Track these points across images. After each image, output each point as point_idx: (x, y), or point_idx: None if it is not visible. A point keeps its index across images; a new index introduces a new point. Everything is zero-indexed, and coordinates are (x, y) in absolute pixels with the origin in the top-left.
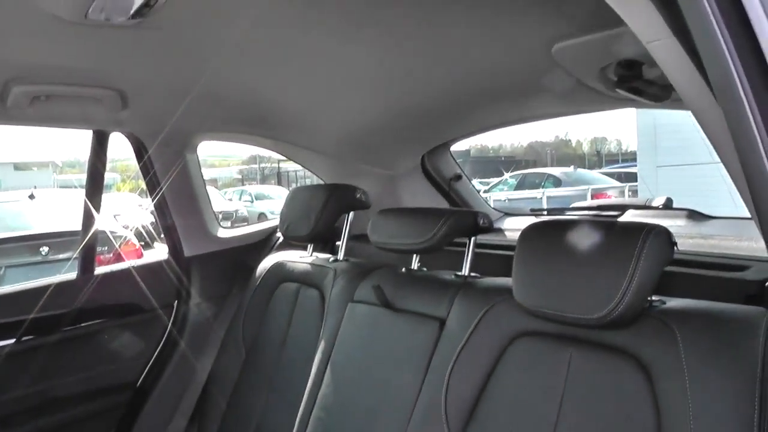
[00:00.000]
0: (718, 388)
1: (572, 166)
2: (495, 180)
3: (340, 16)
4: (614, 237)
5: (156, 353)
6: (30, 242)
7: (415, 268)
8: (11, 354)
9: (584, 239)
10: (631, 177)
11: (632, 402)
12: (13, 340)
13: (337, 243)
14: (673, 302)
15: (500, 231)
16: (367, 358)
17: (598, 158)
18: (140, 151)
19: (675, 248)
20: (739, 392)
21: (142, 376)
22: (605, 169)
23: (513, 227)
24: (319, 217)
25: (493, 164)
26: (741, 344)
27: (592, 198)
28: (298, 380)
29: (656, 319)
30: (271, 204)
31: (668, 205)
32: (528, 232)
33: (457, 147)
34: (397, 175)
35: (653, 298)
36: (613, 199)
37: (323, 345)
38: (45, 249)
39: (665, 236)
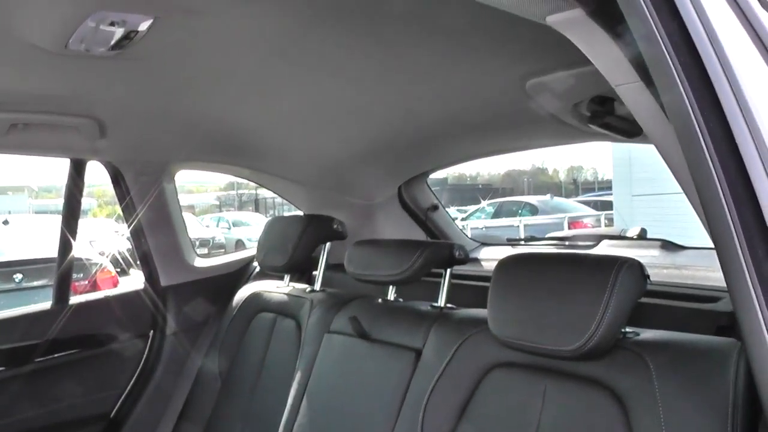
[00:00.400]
0: (692, 420)
1: (549, 195)
2: (472, 207)
3: (317, 49)
4: (588, 270)
5: (131, 384)
6: (3, 269)
7: (392, 298)
8: None
9: (558, 272)
10: (607, 205)
11: (607, 431)
12: None
13: (314, 273)
14: (647, 333)
15: (477, 261)
16: (344, 389)
17: (575, 186)
18: (117, 179)
19: (648, 280)
20: (712, 423)
21: (116, 407)
22: (581, 197)
23: (489, 257)
24: (296, 247)
25: (471, 192)
26: (713, 376)
27: (568, 226)
28: (274, 410)
29: (630, 351)
30: (248, 231)
31: (642, 235)
32: (503, 265)
33: (435, 175)
34: (375, 205)
35: (627, 329)
36: (588, 228)
37: (299, 375)
38: (19, 276)
39: (638, 269)
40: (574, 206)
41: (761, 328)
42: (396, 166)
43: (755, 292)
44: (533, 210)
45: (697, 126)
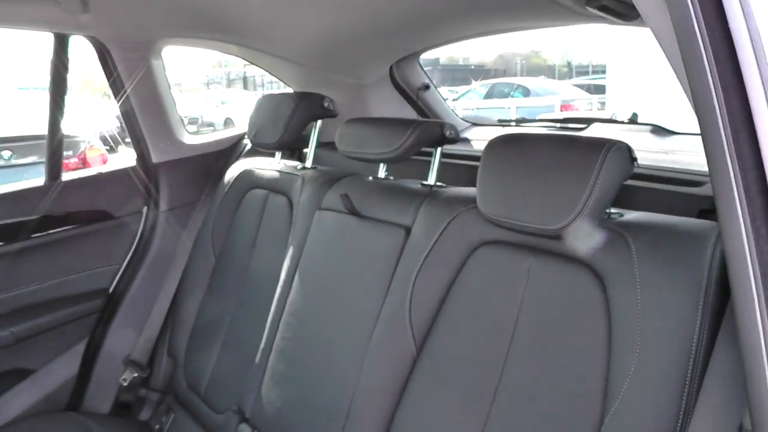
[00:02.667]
0: (666, 297)
1: (542, 77)
2: (464, 88)
3: None
4: (576, 151)
5: (127, 260)
6: None
7: (383, 176)
8: None
9: (547, 152)
10: (600, 89)
11: (586, 309)
12: None
13: (305, 151)
14: (630, 215)
15: (467, 141)
16: (335, 265)
17: (569, 69)
18: (104, 56)
19: (635, 163)
20: (685, 300)
21: (114, 283)
22: (575, 80)
23: (480, 137)
24: (287, 124)
25: (463, 73)
26: (690, 256)
27: (560, 109)
28: (268, 284)
29: (612, 230)
30: (235, 109)
31: (633, 119)
32: (493, 144)
33: (427, 55)
34: (366, 85)
35: (611, 210)
36: (580, 111)
37: (291, 251)
38: (7, 153)
39: (626, 151)
40: (567, 89)
41: (737, 212)
42: (387, 44)
43: (734, 175)
44: (525, 92)
45: (692, 11)
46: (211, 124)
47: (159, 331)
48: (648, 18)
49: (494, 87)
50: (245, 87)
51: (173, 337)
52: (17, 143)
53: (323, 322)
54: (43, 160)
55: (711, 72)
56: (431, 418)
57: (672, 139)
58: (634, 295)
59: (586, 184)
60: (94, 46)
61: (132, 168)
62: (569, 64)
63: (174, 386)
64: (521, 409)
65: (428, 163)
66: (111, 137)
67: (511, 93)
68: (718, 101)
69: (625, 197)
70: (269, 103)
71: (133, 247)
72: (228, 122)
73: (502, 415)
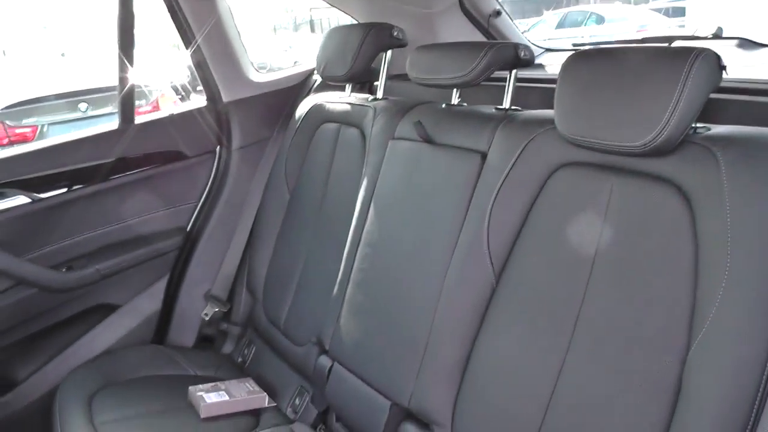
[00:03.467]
0: (759, 214)
1: (617, 2)
2: (535, 20)
3: None
4: (659, 61)
5: (202, 199)
6: (68, 99)
7: (455, 103)
8: (64, 203)
9: (628, 65)
10: (680, 12)
11: (671, 230)
12: (64, 189)
13: (375, 83)
14: (719, 129)
15: (541, 67)
16: (410, 193)
17: None
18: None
19: (724, 72)
20: None
21: (192, 220)
22: (652, 4)
23: (555, 63)
24: (355, 56)
25: (533, 3)
26: None
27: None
28: (343, 217)
29: (700, 145)
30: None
31: (718, 34)
32: (571, 61)
33: None
34: (435, 13)
35: (698, 125)
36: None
37: (366, 182)
38: (84, 105)
39: (714, 59)
40: (644, 14)
41: None
42: None
43: None
44: (599, 20)
45: None
46: (279, 69)
47: (237, 266)
48: None
49: (567, 16)
50: (312, 30)
51: (251, 272)
52: (93, 95)
53: (400, 251)
54: (116, 110)
55: None
56: (511, 347)
57: (761, 52)
58: (723, 214)
59: (671, 96)
60: None
61: (204, 108)
62: None
63: (254, 320)
64: (603, 337)
65: (503, 89)
66: (182, 86)
67: (585, 21)
68: None
69: (713, 111)
70: (337, 35)
71: (208, 186)
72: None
73: (584, 343)
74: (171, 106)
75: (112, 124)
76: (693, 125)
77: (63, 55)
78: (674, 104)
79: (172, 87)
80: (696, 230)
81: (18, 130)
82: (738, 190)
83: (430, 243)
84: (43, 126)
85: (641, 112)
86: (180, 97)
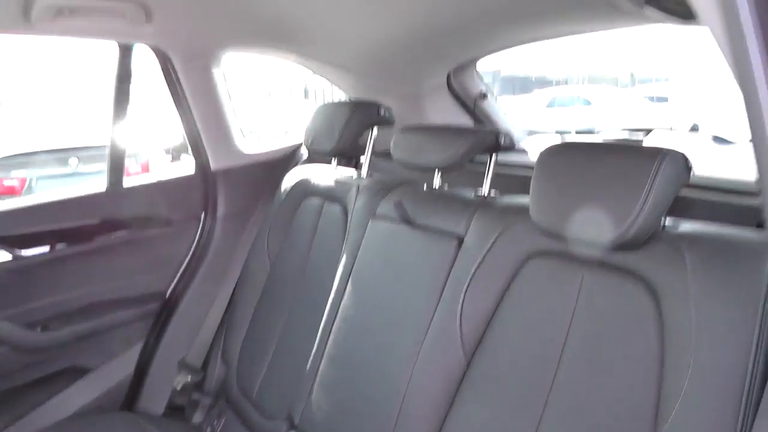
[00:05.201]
0: (722, 311)
1: (604, 86)
2: (525, 98)
3: None
4: (630, 159)
5: (184, 264)
6: (59, 154)
7: (437, 185)
8: (46, 262)
9: (600, 161)
10: (663, 99)
11: (638, 323)
12: (47, 248)
13: (361, 158)
14: (686, 226)
15: (524, 151)
16: (387, 272)
17: (632, 79)
18: (165, 64)
19: (691, 172)
20: (742, 315)
21: (171, 286)
22: (638, 90)
23: (538, 148)
24: (342, 132)
25: (524, 83)
26: (748, 269)
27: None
28: (321, 291)
29: (667, 242)
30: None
31: (695, 128)
32: (546, 153)
33: (487, 66)
34: (423, 93)
35: (666, 221)
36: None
37: (345, 258)
38: (74, 161)
39: (681, 160)
40: (629, 98)
41: None
42: (444, 51)
43: None
44: (586, 102)
45: (746, 6)
46: (271, 136)
47: (213, 335)
48: (702, 15)
49: (555, 97)
50: (306, 97)
51: (227, 341)
52: (84, 152)
53: (375, 328)
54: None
55: (760, 72)
56: (480, 428)
57: (732, 149)
58: (688, 310)
59: (639, 194)
60: (157, 54)
61: (191, 175)
62: (632, 74)
63: (226, 390)
64: (571, 423)
65: (484, 172)
66: (174, 149)
67: (573, 103)
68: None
69: (681, 207)
70: (326, 111)
71: (191, 252)
72: (288, 133)
73: (551, 428)
74: (161, 168)
75: (100, 185)
76: (662, 221)
77: (58, 110)
78: (642, 202)
79: (163, 149)
80: (662, 323)
81: (6, 182)
82: (703, 288)
83: (405, 322)
84: (31, 179)
85: (611, 208)
86: (170, 157)
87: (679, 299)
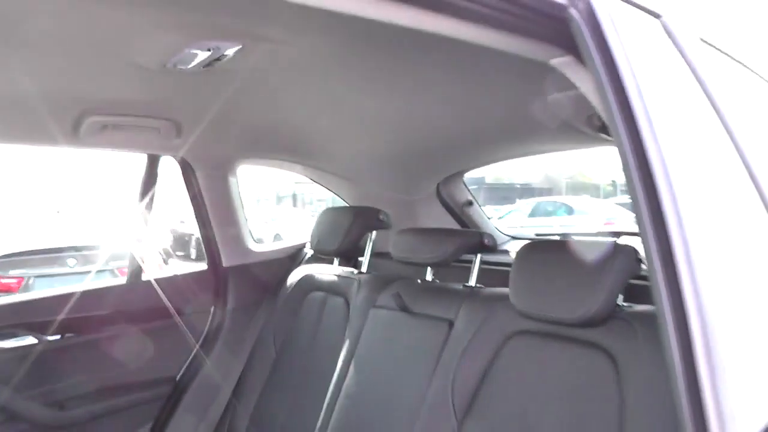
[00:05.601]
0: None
1: (586, 196)
2: (509, 207)
3: (368, 71)
4: (590, 254)
5: (194, 352)
6: (58, 254)
7: (430, 279)
8: (66, 346)
9: (568, 256)
10: None
11: (600, 387)
12: (69, 334)
13: (360, 258)
14: (638, 307)
15: (506, 253)
16: (387, 355)
17: (613, 188)
18: (188, 173)
19: (641, 264)
20: None
21: (181, 372)
22: (618, 199)
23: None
24: (345, 235)
25: (508, 192)
26: None
27: (604, 226)
28: (325, 375)
29: (623, 320)
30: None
31: None
32: (523, 249)
33: (473, 174)
34: (415, 200)
35: (622, 303)
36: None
37: (348, 344)
38: (72, 261)
39: (633, 254)
40: (610, 207)
41: (667, 319)
42: (434, 165)
43: (664, 289)
44: (569, 210)
45: (631, 157)
46: (260, 240)
47: (220, 417)
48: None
49: (538, 205)
50: (294, 204)
51: (232, 425)
52: (82, 252)
53: (376, 403)
54: (103, 268)
55: (644, 201)
56: None
57: None
58: (642, 373)
59: (599, 281)
60: (180, 164)
61: (204, 270)
62: (614, 182)
63: None
64: None
65: (470, 269)
66: (164, 251)
67: (555, 211)
68: (650, 232)
69: (633, 292)
70: (330, 215)
71: (201, 340)
72: (277, 238)
73: None
74: (156, 268)
75: (121, 279)
76: (618, 303)
77: (58, 212)
78: (601, 287)
79: (157, 251)
80: (621, 386)
81: (3, 281)
82: (652, 356)
83: (403, 396)
84: (29, 278)
85: (576, 292)
86: (163, 259)
87: (635, 365)
